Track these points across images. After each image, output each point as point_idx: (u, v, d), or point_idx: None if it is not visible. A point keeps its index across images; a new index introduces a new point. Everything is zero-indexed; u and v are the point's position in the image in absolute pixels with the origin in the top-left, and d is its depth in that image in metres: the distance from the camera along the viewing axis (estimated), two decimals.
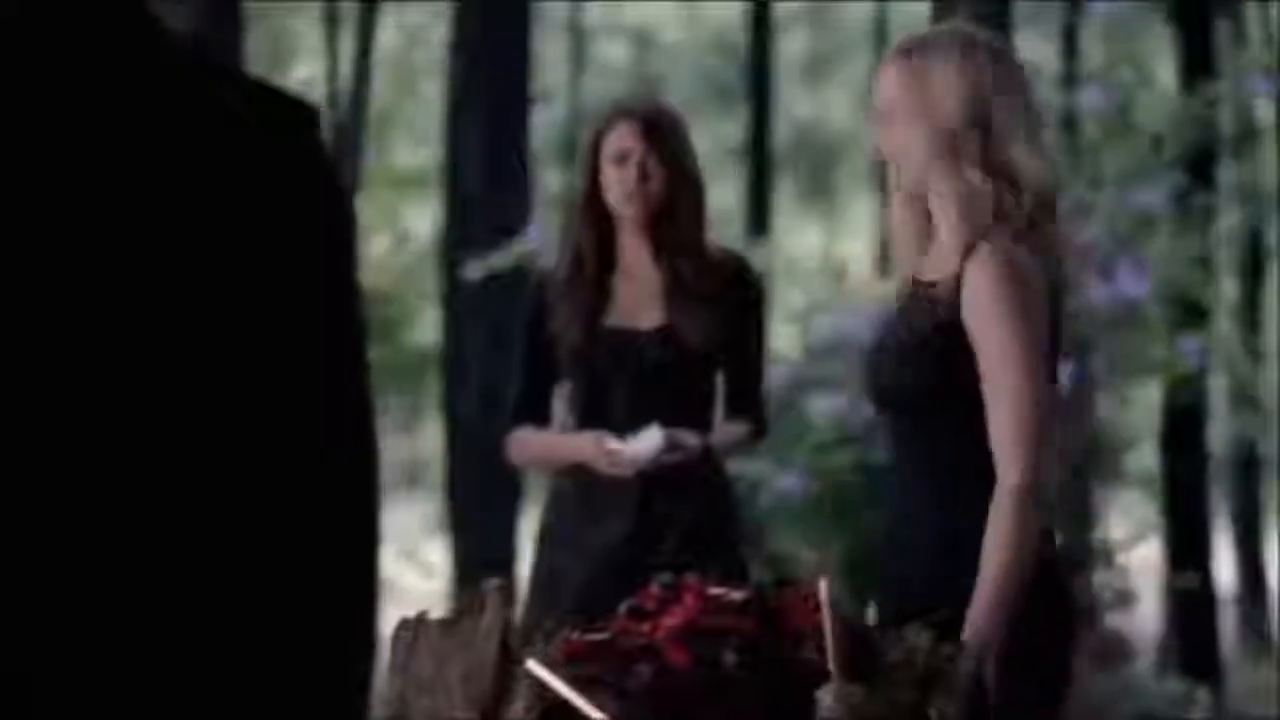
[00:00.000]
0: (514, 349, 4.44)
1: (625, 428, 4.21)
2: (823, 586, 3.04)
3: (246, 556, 1.74)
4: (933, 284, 3.30)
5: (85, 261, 1.70)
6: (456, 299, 11.01)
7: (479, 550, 10.19)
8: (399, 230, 14.40)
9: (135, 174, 1.72)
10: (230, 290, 1.72)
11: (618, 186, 4.24)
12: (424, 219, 14.10)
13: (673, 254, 4.26)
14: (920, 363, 3.29)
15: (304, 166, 1.76)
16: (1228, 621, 15.06)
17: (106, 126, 1.72)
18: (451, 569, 10.82)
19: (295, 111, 1.77)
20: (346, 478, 1.77)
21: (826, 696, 3.01)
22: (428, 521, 15.12)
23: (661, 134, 4.23)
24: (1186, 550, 10.59)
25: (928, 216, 3.40)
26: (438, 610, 3.31)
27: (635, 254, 4.31)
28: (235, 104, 1.75)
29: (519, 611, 4.12)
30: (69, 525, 1.69)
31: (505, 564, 9.72)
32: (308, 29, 13.19)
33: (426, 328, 13.90)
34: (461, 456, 10.79)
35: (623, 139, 4.23)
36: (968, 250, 3.26)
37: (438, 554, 10.87)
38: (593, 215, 4.28)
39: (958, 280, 3.25)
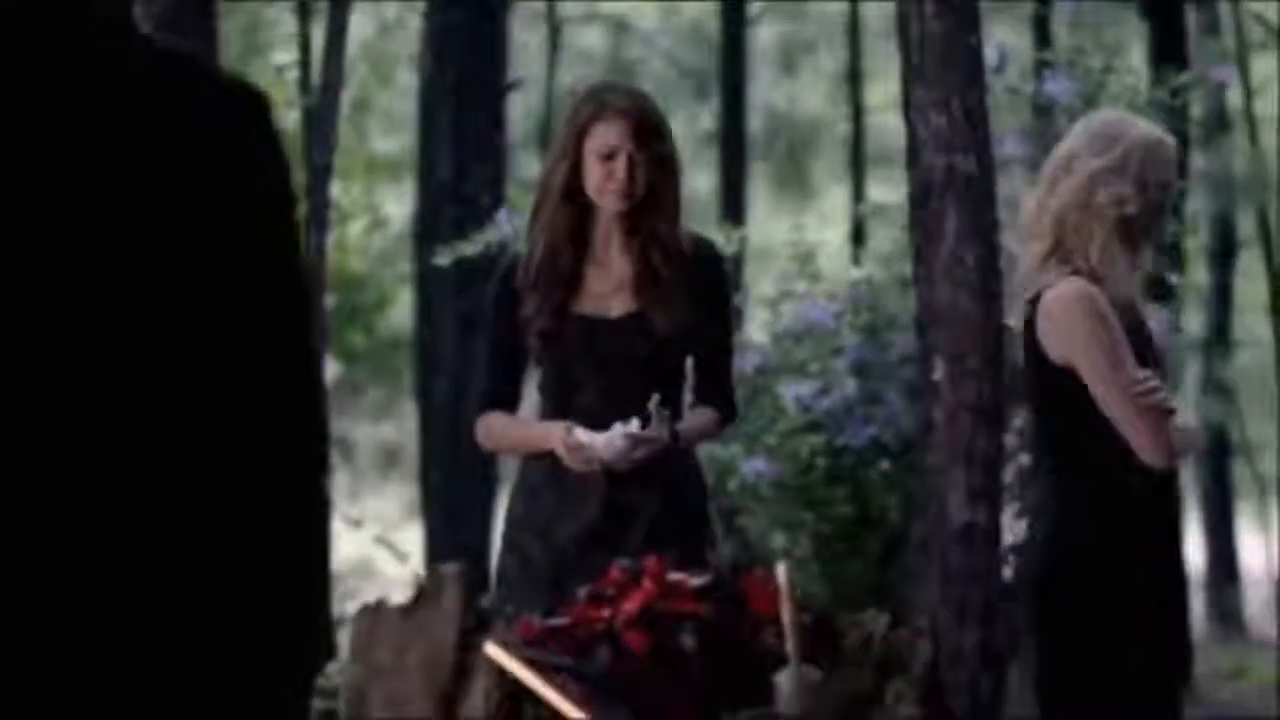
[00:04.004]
0: (483, 335, 4.46)
1: (595, 414, 4.24)
2: (781, 571, 3.08)
3: (194, 523, 1.76)
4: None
5: (38, 243, 1.72)
6: (431, 285, 11.02)
7: (454, 535, 10.21)
8: (375, 216, 14.41)
9: (84, 157, 1.74)
10: (175, 269, 1.75)
11: (603, 181, 4.26)
12: (399, 205, 14.11)
13: (646, 243, 4.29)
14: None
15: (253, 151, 1.80)
16: (1197, 604, 15.12)
17: (60, 109, 1.74)
18: (426, 554, 10.83)
19: (247, 98, 1.81)
20: (293, 446, 1.79)
21: (785, 680, 3.05)
22: (403, 506, 15.12)
23: (649, 133, 4.26)
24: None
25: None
26: (400, 597, 3.32)
27: (608, 242, 4.34)
28: (188, 91, 1.78)
29: (489, 598, 4.14)
30: (18, 506, 1.72)
31: (480, 549, 9.74)
32: (283, 17, 13.18)
33: (402, 313, 13.89)
34: (436, 442, 10.80)
35: (611, 136, 4.25)
36: None
37: (413, 539, 10.87)
38: (570, 204, 4.31)
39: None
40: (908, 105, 5.55)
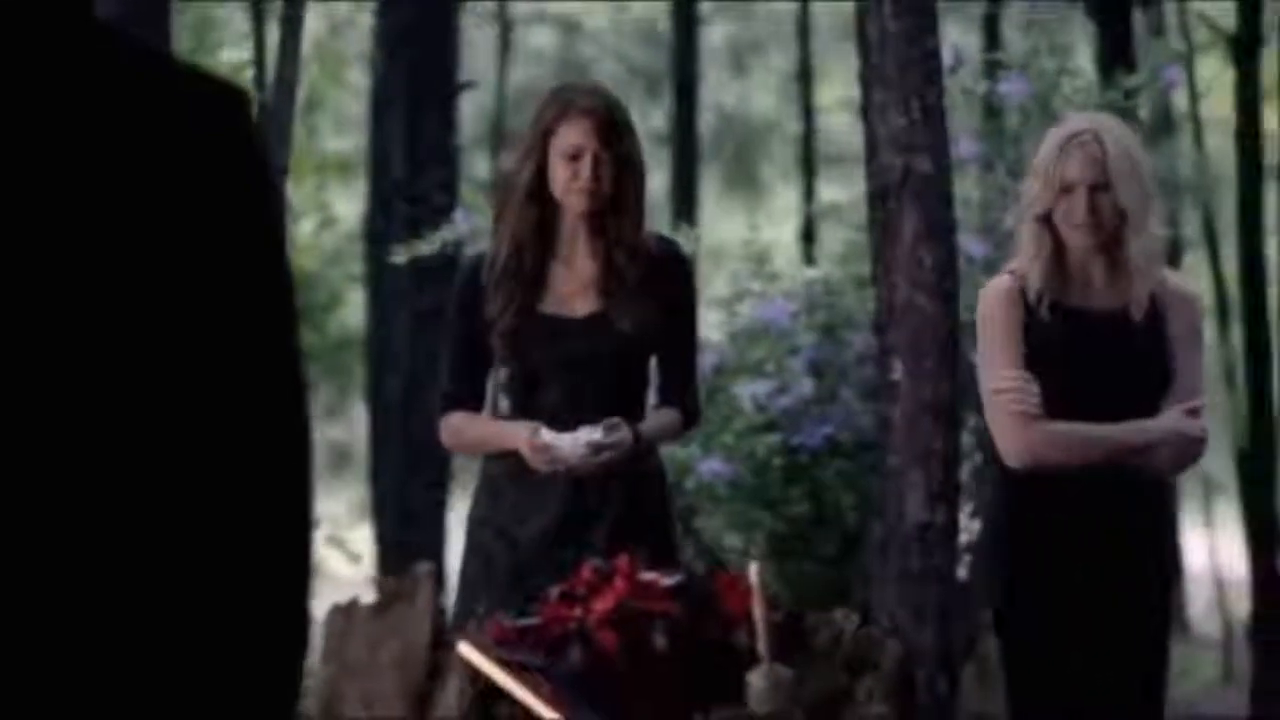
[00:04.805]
0: (444, 334, 4.46)
1: (559, 414, 4.25)
2: (753, 571, 3.09)
3: (179, 527, 1.76)
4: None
5: (10, 244, 1.72)
6: (382, 284, 11.00)
7: (405, 536, 10.19)
8: (325, 215, 14.37)
9: (57, 155, 1.74)
10: (157, 270, 1.75)
11: (569, 181, 4.27)
12: (350, 204, 14.08)
13: (611, 244, 4.30)
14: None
15: (233, 148, 1.79)
16: None
17: (32, 106, 1.74)
18: (377, 555, 10.81)
19: (224, 94, 1.80)
20: (279, 448, 1.79)
21: (756, 678, 3.06)
22: (354, 507, 15.09)
23: (615, 133, 4.27)
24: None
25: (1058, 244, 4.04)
26: (364, 597, 3.32)
27: (573, 242, 4.35)
28: (165, 87, 1.78)
29: (452, 598, 4.15)
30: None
31: (432, 550, 9.73)
32: (234, 15, 13.13)
33: (352, 312, 13.86)
34: (387, 442, 10.78)
35: (577, 136, 4.26)
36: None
37: (364, 540, 10.86)
38: (535, 204, 4.31)
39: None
40: (866, 105, 5.57)
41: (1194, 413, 4.06)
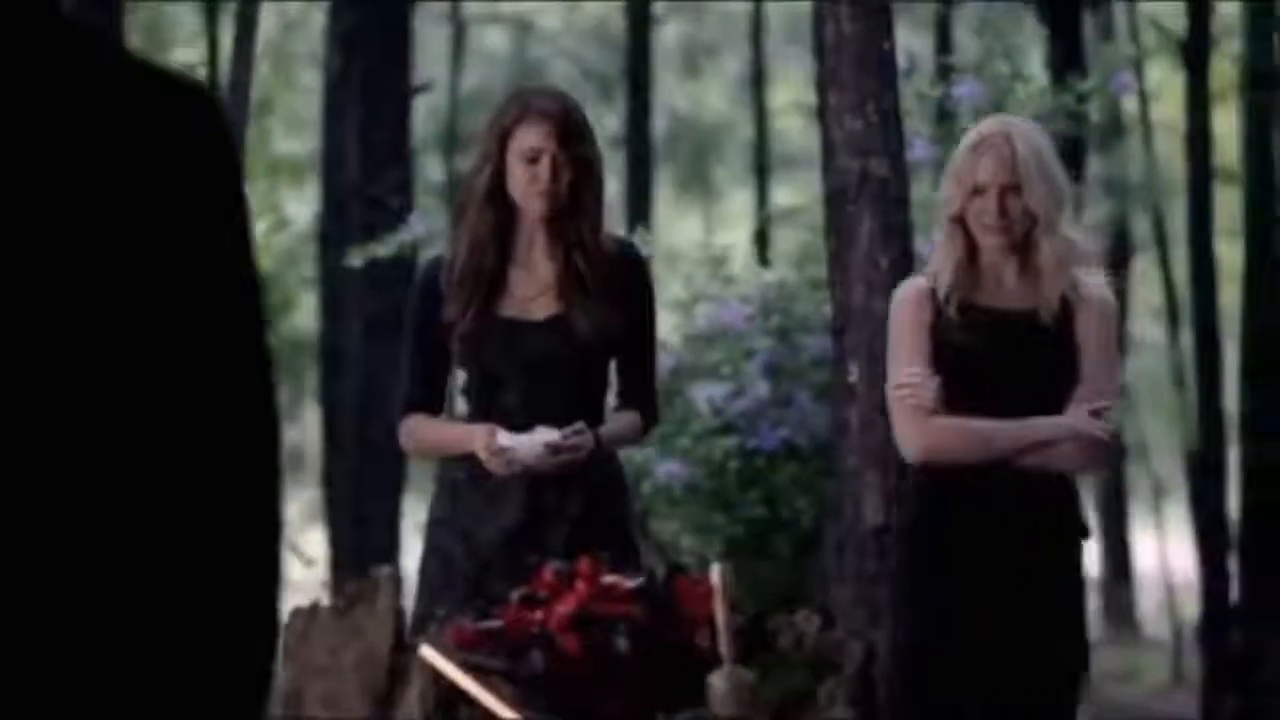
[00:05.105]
0: (403, 337, 4.46)
1: (519, 417, 4.25)
2: (715, 573, 3.09)
3: (147, 525, 1.76)
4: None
5: None
6: (335, 287, 10.98)
7: (358, 540, 10.16)
8: (277, 217, 14.32)
9: (35, 156, 1.73)
10: (128, 270, 1.74)
11: (527, 184, 4.27)
12: (302, 206, 14.04)
13: (569, 246, 4.30)
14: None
15: (205, 149, 1.79)
16: (1091, 605, 15.30)
17: (7, 106, 1.73)
18: (331, 558, 10.78)
19: (197, 95, 1.80)
20: (248, 445, 1.79)
21: (719, 681, 3.06)
22: (307, 510, 15.04)
23: (573, 135, 4.27)
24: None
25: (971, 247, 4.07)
26: (320, 600, 3.31)
27: (531, 245, 4.35)
28: (138, 88, 1.78)
29: (409, 601, 4.14)
30: None
31: (386, 553, 9.70)
32: (186, 14, 13.09)
33: (304, 315, 13.83)
34: (341, 446, 10.75)
35: (535, 139, 4.25)
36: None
37: (317, 543, 10.82)
38: (494, 207, 4.31)
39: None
40: (823, 109, 5.58)
41: (1098, 414, 4.07)
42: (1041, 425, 4.06)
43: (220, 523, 1.78)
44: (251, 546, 1.80)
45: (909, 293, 4.24)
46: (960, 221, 4.18)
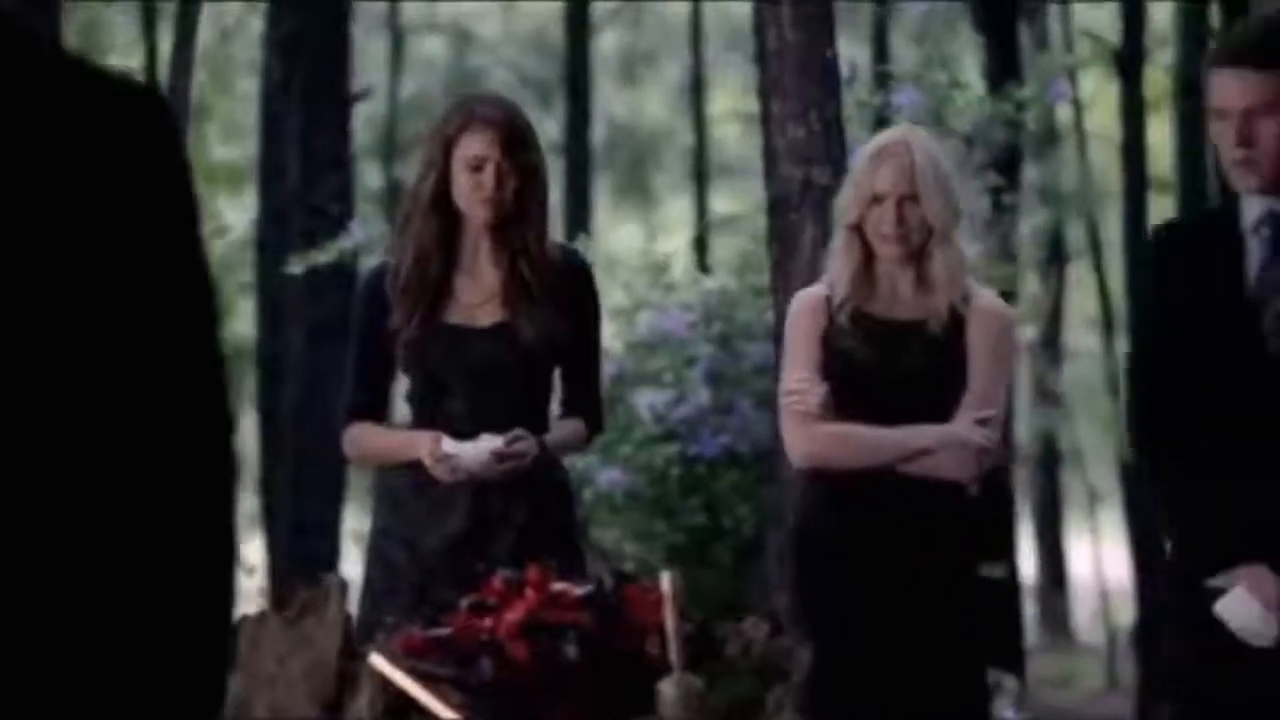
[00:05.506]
0: (348, 345, 4.45)
1: (463, 424, 4.25)
2: (665, 580, 3.10)
3: (99, 515, 1.75)
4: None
5: None
6: (273, 294, 10.94)
7: (297, 548, 10.12)
8: (215, 224, 14.25)
9: None
10: (79, 272, 1.74)
11: (471, 192, 4.27)
12: (239, 213, 13.98)
13: (515, 253, 4.30)
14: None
15: (155, 151, 1.79)
16: (1028, 611, 15.39)
17: None
18: (270, 566, 10.73)
19: (146, 98, 1.80)
20: (202, 444, 1.79)
21: (667, 688, 3.07)
22: (245, 518, 14.96)
23: (518, 143, 4.27)
24: (993, 541, 10.80)
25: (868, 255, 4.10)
26: (257, 608, 3.31)
27: (477, 252, 4.35)
28: (86, 91, 1.77)
29: (353, 608, 4.13)
30: None
31: (325, 561, 9.67)
32: (123, 21, 13.02)
33: (242, 322, 13.76)
34: (279, 453, 10.71)
35: (479, 146, 4.26)
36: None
37: (255, 551, 10.79)
38: (439, 214, 4.31)
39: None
40: (765, 117, 5.59)
41: (984, 423, 4.11)
42: (924, 433, 4.10)
43: (174, 525, 1.78)
44: (205, 549, 1.80)
45: (803, 301, 4.30)
46: (858, 230, 4.21)
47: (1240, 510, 3.34)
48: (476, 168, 4.26)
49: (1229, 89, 3.37)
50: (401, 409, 4.53)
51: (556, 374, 4.40)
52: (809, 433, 4.12)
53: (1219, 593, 3.38)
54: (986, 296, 4.27)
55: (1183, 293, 3.42)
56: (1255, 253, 3.40)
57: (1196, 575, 3.42)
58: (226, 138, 15.09)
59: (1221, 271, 3.39)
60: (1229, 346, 3.36)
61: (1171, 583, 3.60)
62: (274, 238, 10.71)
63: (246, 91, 14.22)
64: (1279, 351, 3.31)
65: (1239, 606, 3.34)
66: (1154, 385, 3.45)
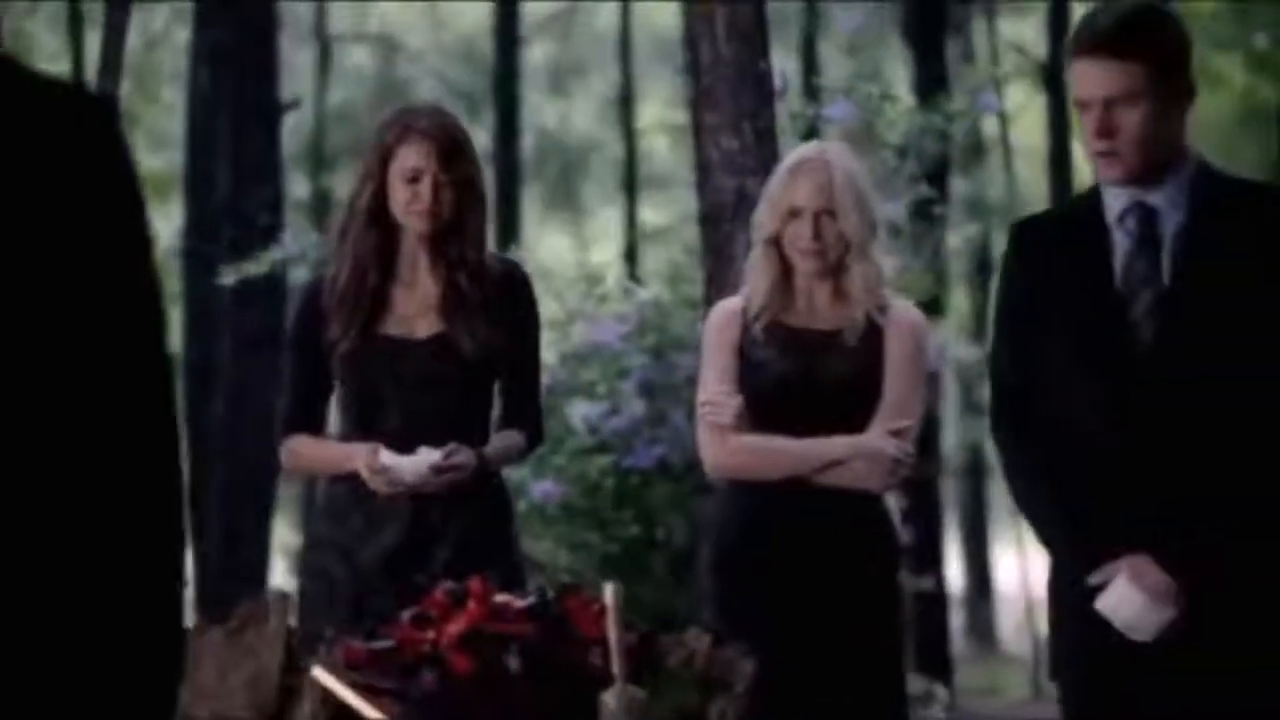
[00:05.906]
0: (284, 357, 4.43)
1: (400, 436, 4.24)
2: (608, 592, 3.10)
3: (47, 517, 1.74)
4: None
5: None
6: (201, 304, 10.88)
7: (228, 559, 10.08)
8: None
9: None
10: (26, 275, 1.74)
11: (408, 204, 4.26)
12: (166, 223, 13.90)
13: (452, 265, 4.30)
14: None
15: (102, 156, 1.79)
16: (955, 621, 15.47)
17: None
18: (199, 576, 10.67)
19: (92, 104, 1.80)
20: (148, 445, 1.79)
21: (610, 699, 3.07)
22: None
23: (454, 155, 4.26)
24: (921, 552, 10.88)
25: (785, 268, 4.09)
26: (186, 619, 3.29)
27: (414, 264, 4.35)
28: (32, 97, 1.77)
29: (293, 620, 4.11)
30: None
31: (255, 573, 9.63)
32: (46, 32, 12.94)
33: (170, 333, 13.71)
34: (209, 465, 10.65)
35: (416, 158, 4.25)
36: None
37: (186, 563, 10.72)
38: (376, 226, 4.30)
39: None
40: (697, 128, 5.61)
41: (898, 433, 4.14)
42: (838, 444, 4.13)
43: (123, 530, 1.78)
44: (154, 553, 1.79)
45: (719, 313, 4.33)
46: (775, 244, 4.24)
47: (1112, 504, 3.31)
48: (413, 180, 4.26)
49: (1089, 79, 3.29)
50: (335, 420, 4.51)
51: (495, 386, 4.40)
52: (724, 444, 4.14)
53: (1100, 589, 3.36)
54: (902, 307, 4.29)
55: (1049, 286, 3.38)
56: (1121, 245, 3.35)
57: (1077, 574, 3.40)
58: (153, 147, 15.02)
59: (1089, 265, 3.34)
60: (1099, 339, 3.32)
61: (1052, 582, 3.59)
62: (201, 247, 10.66)
63: (173, 101, 14.15)
64: (1149, 344, 3.29)
65: (1122, 600, 3.30)
66: (1017, 381, 3.42)
